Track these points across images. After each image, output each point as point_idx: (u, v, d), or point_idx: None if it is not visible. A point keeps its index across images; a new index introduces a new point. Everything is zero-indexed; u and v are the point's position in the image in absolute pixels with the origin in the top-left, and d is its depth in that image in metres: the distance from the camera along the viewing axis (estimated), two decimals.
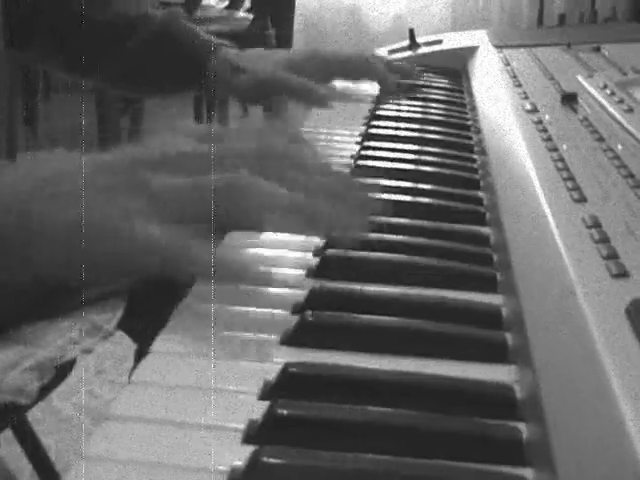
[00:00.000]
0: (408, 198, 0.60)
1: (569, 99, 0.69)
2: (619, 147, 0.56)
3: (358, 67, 0.93)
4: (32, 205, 0.43)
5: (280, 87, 0.87)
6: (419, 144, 0.73)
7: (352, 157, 0.71)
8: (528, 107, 0.69)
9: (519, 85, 0.79)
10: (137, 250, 0.43)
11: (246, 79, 0.88)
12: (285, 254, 0.51)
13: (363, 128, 0.80)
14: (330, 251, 0.50)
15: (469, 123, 0.82)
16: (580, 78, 0.77)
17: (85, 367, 1.83)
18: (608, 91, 0.70)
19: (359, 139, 0.76)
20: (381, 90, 0.94)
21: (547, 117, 0.66)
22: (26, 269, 0.43)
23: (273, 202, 0.45)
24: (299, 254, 0.51)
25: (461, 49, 1.07)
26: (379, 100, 0.91)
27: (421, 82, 0.97)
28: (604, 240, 0.42)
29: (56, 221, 0.43)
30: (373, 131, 0.78)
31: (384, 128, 0.79)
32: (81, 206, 0.43)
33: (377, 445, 0.33)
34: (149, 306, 0.49)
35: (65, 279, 0.44)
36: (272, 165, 0.47)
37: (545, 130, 0.62)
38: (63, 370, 0.77)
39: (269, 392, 0.37)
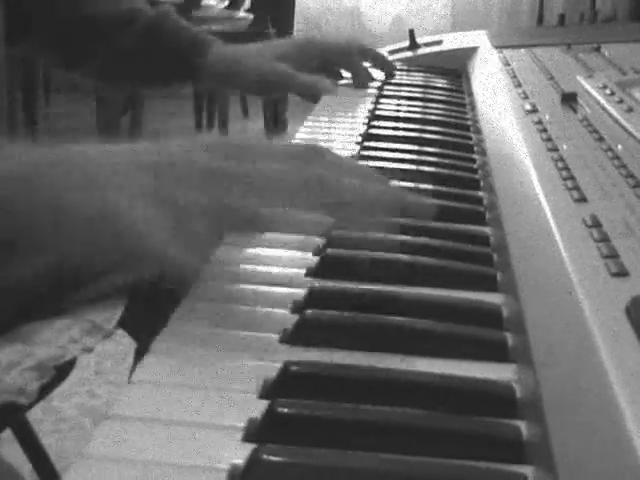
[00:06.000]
0: None
1: (569, 99, 0.69)
2: (619, 147, 0.56)
3: (345, 58, 0.97)
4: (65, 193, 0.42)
5: (282, 82, 0.89)
6: (419, 144, 0.73)
7: (352, 157, 0.71)
8: (528, 107, 0.69)
9: (519, 85, 0.79)
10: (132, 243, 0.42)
11: (245, 71, 0.90)
12: (285, 253, 0.51)
13: (363, 128, 0.80)
14: (330, 250, 0.50)
15: (469, 123, 0.82)
16: (580, 78, 0.77)
17: (85, 367, 1.83)
18: (608, 91, 0.70)
19: (359, 139, 0.76)
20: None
21: (547, 117, 0.66)
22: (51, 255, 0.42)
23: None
24: (299, 253, 0.51)
25: (461, 49, 1.07)
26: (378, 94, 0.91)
27: (418, 81, 0.98)
28: (604, 239, 0.42)
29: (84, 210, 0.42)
30: (373, 131, 0.78)
31: (384, 128, 0.79)
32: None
33: (377, 444, 0.33)
34: (149, 305, 0.49)
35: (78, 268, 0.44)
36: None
37: (545, 130, 0.62)
38: (63, 370, 0.77)
39: (269, 391, 0.37)
